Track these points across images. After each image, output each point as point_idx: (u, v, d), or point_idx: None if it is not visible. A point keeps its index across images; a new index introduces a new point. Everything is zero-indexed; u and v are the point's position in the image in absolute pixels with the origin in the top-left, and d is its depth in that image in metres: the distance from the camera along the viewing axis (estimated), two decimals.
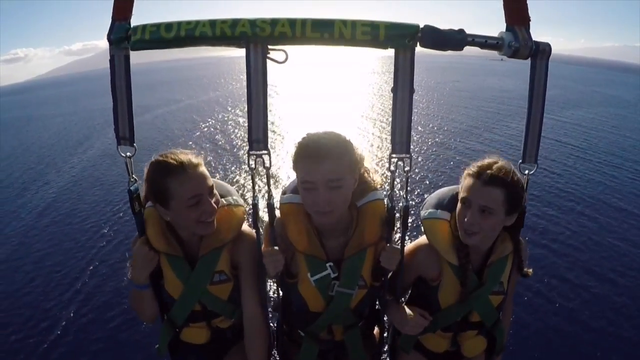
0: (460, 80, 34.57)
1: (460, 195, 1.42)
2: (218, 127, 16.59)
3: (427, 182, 9.24)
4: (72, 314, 5.32)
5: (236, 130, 15.69)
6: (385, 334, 1.71)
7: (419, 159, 10.86)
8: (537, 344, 4.42)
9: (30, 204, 9.47)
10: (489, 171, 1.35)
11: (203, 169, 1.37)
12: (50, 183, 11.06)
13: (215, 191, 1.41)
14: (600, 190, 8.77)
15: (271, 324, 1.61)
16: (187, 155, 1.36)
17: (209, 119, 18.34)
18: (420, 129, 14.69)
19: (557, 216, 7.43)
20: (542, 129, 1.35)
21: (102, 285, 5.89)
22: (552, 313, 4.94)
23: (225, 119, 18.38)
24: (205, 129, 16.34)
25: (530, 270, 1.52)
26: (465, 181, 1.41)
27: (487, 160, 1.41)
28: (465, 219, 1.37)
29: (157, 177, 1.33)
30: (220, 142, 14.00)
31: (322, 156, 1.26)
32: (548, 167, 9.97)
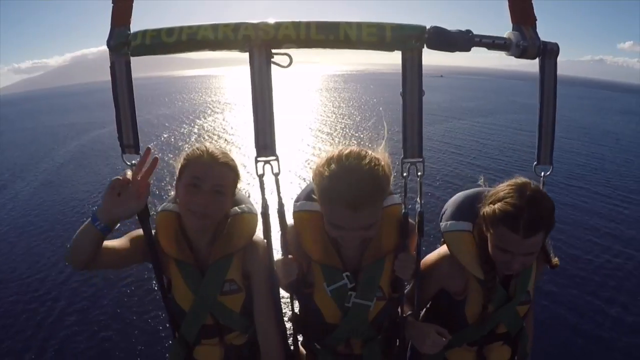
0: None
1: (494, 241, 1.29)
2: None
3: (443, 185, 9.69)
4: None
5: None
6: (407, 350, 1.62)
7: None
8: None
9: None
10: (525, 216, 1.20)
11: (225, 170, 1.35)
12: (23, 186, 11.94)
13: (224, 196, 1.35)
14: None
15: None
16: (221, 152, 1.38)
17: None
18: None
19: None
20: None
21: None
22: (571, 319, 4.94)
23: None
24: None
25: (557, 259, 1.44)
26: (498, 230, 1.26)
27: (512, 200, 1.23)
28: (509, 265, 1.29)
29: (186, 157, 1.38)
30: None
31: (359, 208, 1.16)
32: None
